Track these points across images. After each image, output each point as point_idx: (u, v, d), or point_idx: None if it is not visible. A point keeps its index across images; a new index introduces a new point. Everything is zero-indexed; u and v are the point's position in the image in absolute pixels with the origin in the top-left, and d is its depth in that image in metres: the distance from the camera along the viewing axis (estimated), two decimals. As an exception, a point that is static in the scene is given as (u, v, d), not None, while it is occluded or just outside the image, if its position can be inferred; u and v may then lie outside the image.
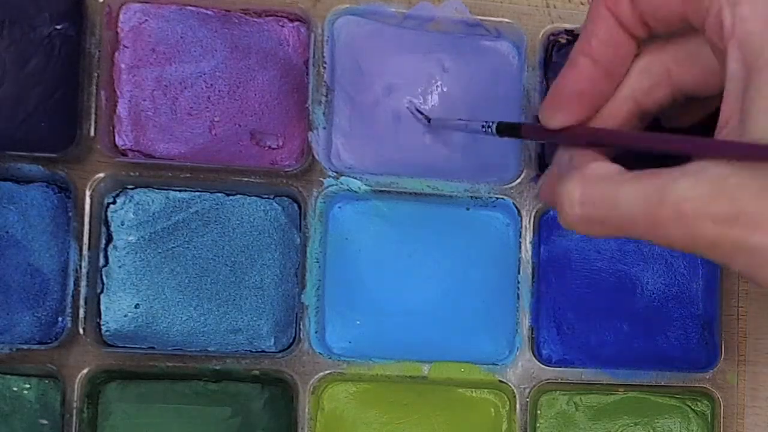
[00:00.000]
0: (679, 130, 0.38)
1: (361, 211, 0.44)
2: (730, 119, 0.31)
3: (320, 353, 0.42)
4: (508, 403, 0.44)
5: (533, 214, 0.44)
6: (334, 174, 0.43)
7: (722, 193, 0.29)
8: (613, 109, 0.36)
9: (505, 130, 0.40)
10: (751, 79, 0.30)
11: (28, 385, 0.42)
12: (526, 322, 0.44)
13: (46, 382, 0.42)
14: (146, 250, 0.43)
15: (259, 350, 0.43)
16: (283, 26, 0.44)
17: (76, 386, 0.41)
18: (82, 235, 0.41)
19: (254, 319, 0.43)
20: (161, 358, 0.42)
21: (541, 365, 0.44)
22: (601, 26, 0.34)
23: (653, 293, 0.46)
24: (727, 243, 0.29)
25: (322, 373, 0.42)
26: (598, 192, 0.32)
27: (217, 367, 0.42)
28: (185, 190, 0.43)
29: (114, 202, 0.43)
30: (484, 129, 0.40)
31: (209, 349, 0.43)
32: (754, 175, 0.28)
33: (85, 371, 0.41)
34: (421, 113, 0.44)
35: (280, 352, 0.43)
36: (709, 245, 0.29)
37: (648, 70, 0.35)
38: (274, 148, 0.44)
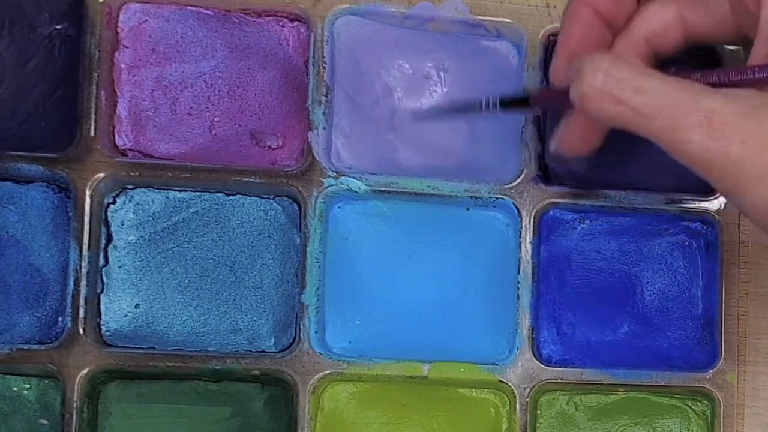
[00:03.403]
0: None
1: (361, 211, 0.44)
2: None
3: (320, 353, 0.42)
4: (508, 403, 0.44)
5: (533, 214, 0.44)
6: (334, 174, 0.43)
7: (757, 114, 0.29)
8: (624, 49, 0.36)
9: (510, 103, 0.38)
10: None
11: (28, 385, 0.42)
12: (526, 322, 0.44)
13: (46, 382, 0.42)
14: (146, 250, 0.43)
15: (259, 350, 0.43)
16: (283, 26, 0.44)
17: (76, 386, 0.41)
18: (82, 235, 0.41)
19: (254, 319, 0.43)
20: (161, 358, 0.42)
21: (541, 365, 0.44)
22: None
23: (653, 293, 0.46)
24: (751, 165, 0.29)
25: (322, 373, 0.42)
26: (627, 72, 0.31)
27: (217, 367, 0.42)
28: (185, 190, 0.43)
29: (114, 202, 0.43)
30: (483, 107, 0.38)
31: (209, 349, 0.43)
32: None
33: (85, 371, 0.41)
34: (414, 111, 0.44)
35: (280, 352, 0.43)
36: (730, 164, 0.29)
37: (662, 11, 0.35)
38: (274, 148, 0.44)
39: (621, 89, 0.31)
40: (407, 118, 0.44)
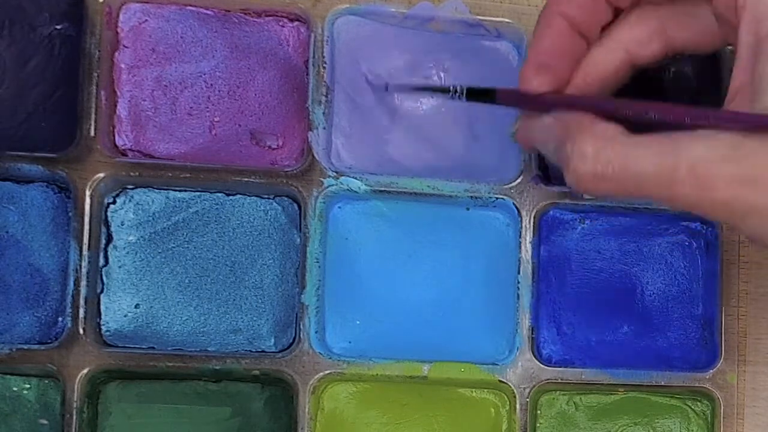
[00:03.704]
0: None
1: (361, 211, 0.44)
2: (740, 91, 0.32)
3: (320, 353, 0.42)
4: (508, 403, 0.44)
5: (533, 214, 0.44)
6: (334, 174, 0.43)
7: (737, 156, 0.30)
8: (600, 58, 0.36)
9: (477, 94, 0.39)
10: (762, 50, 0.30)
11: (28, 385, 0.42)
12: (526, 322, 0.44)
13: (46, 382, 0.42)
14: (146, 250, 0.43)
15: (259, 350, 0.43)
16: (283, 26, 0.44)
17: (76, 386, 0.41)
18: (82, 235, 0.41)
19: (254, 319, 0.43)
20: (161, 358, 0.42)
21: (541, 365, 0.44)
22: None
23: (653, 293, 0.46)
24: (740, 204, 0.30)
25: (322, 373, 0.42)
26: (611, 150, 0.32)
27: (217, 367, 0.42)
28: (185, 190, 0.43)
29: (114, 202, 0.43)
30: (451, 94, 0.39)
31: (209, 349, 0.43)
32: (766, 142, 0.30)
33: (85, 371, 0.41)
34: (375, 83, 0.44)
35: (280, 352, 0.43)
36: (721, 206, 0.30)
37: (642, 22, 0.36)
38: (274, 148, 0.44)
39: (611, 168, 0.32)
40: (382, 88, 0.44)
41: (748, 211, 0.30)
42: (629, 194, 0.32)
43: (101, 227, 0.43)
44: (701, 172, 0.30)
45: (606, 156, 0.32)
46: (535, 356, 0.44)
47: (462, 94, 0.39)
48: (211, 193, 0.44)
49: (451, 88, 0.39)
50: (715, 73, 0.45)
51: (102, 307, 0.43)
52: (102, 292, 0.43)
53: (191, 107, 0.43)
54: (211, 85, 0.43)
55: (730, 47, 0.44)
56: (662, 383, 0.44)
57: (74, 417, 0.41)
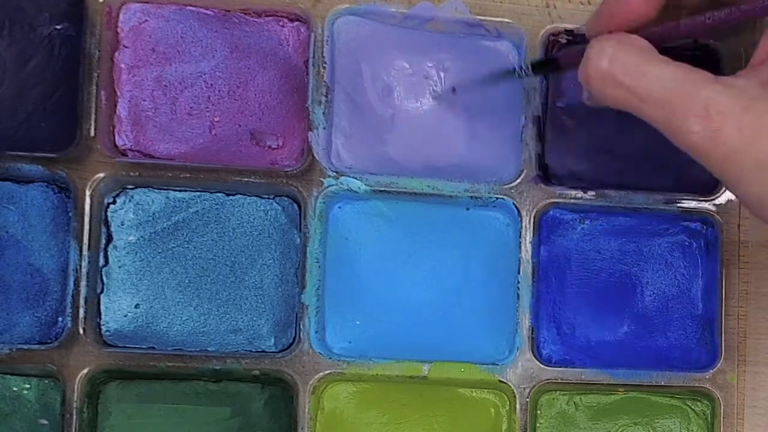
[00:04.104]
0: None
1: (361, 211, 0.44)
2: (765, 61, 0.32)
3: (320, 353, 0.42)
4: (508, 403, 0.44)
5: (533, 214, 0.44)
6: (334, 174, 0.43)
7: (753, 107, 0.29)
8: None
9: (540, 66, 0.39)
10: None
11: (28, 385, 0.42)
12: (526, 322, 0.44)
13: (46, 382, 0.42)
14: (146, 250, 0.43)
15: (259, 350, 0.43)
16: (283, 26, 0.44)
17: (76, 386, 0.41)
18: (82, 235, 0.41)
19: (254, 319, 0.43)
20: (161, 358, 0.42)
21: (541, 365, 0.44)
22: None
23: (653, 293, 0.46)
24: (748, 156, 0.29)
25: (322, 373, 0.42)
26: (632, 57, 0.31)
27: (217, 367, 0.42)
28: (185, 190, 0.43)
29: (114, 202, 0.43)
30: (517, 73, 0.40)
31: (209, 349, 0.43)
32: None
33: (85, 371, 0.41)
34: (440, 91, 0.44)
35: (280, 352, 0.43)
36: (725, 152, 0.30)
37: None
38: (274, 148, 0.44)
39: (624, 73, 0.31)
40: (449, 93, 0.44)
41: (752, 165, 0.29)
42: (628, 106, 0.32)
43: (101, 227, 0.43)
44: (716, 110, 0.30)
45: (625, 59, 0.31)
46: (535, 356, 0.44)
47: (528, 69, 0.39)
48: (211, 193, 0.44)
49: (516, 69, 0.40)
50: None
51: (102, 307, 0.43)
52: (102, 292, 0.43)
53: (191, 107, 0.43)
54: (211, 85, 0.43)
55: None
56: (662, 383, 0.44)
57: (74, 417, 0.41)
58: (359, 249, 0.44)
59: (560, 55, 0.38)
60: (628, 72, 0.31)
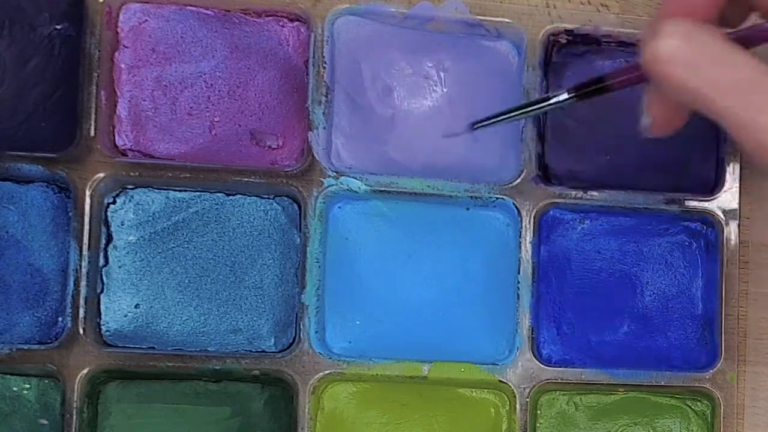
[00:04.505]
0: None
1: (361, 211, 0.44)
2: None
3: (320, 353, 0.42)
4: (508, 403, 0.44)
5: (533, 214, 0.44)
6: (334, 174, 0.43)
7: None
8: None
9: (588, 91, 0.36)
10: None
11: (28, 385, 0.42)
12: (526, 322, 0.44)
13: (46, 382, 0.42)
14: (146, 250, 0.43)
15: (259, 350, 0.43)
16: (283, 26, 0.44)
17: (76, 386, 0.41)
18: (82, 235, 0.41)
19: (254, 319, 0.43)
20: (161, 358, 0.42)
21: (541, 365, 0.44)
22: None
23: (653, 293, 0.46)
24: None
25: (322, 373, 0.42)
26: (709, 38, 0.29)
27: (217, 367, 0.42)
28: (185, 190, 0.43)
29: (114, 202, 0.43)
30: (555, 101, 0.37)
31: (209, 349, 0.43)
32: None
33: (85, 371, 0.41)
34: (457, 131, 0.43)
35: (280, 352, 0.43)
36: None
37: None
38: (274, 148, 0.44)
39: (700, 54, 0.29)
40: (466, 128, 0.42)
41: None
42: (696, 95, 0.29)
43: (101, 227, 0.43)
44: None
45: (702, 39, 0.29)
46: (535, 356, 0.44)
47: (572, 95, 0.37)
48: (211, 193, 0.44)
49: (551, 97, 0.37)
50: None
51: (102, 307, 0.43)
52: (102, 292, 0.43)
53: (191, 107, 0.43)
54: (211, 85, 0.43)
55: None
56: (662, 383, 0.44)
57: (74, 417, 0.41)
58: (359, 249, 0.44)
59: (608, 74, 0.35)
60: (705, 53, 0.29)
